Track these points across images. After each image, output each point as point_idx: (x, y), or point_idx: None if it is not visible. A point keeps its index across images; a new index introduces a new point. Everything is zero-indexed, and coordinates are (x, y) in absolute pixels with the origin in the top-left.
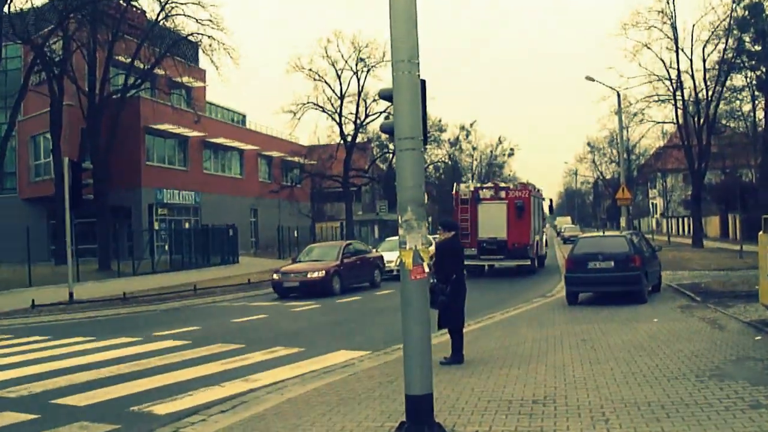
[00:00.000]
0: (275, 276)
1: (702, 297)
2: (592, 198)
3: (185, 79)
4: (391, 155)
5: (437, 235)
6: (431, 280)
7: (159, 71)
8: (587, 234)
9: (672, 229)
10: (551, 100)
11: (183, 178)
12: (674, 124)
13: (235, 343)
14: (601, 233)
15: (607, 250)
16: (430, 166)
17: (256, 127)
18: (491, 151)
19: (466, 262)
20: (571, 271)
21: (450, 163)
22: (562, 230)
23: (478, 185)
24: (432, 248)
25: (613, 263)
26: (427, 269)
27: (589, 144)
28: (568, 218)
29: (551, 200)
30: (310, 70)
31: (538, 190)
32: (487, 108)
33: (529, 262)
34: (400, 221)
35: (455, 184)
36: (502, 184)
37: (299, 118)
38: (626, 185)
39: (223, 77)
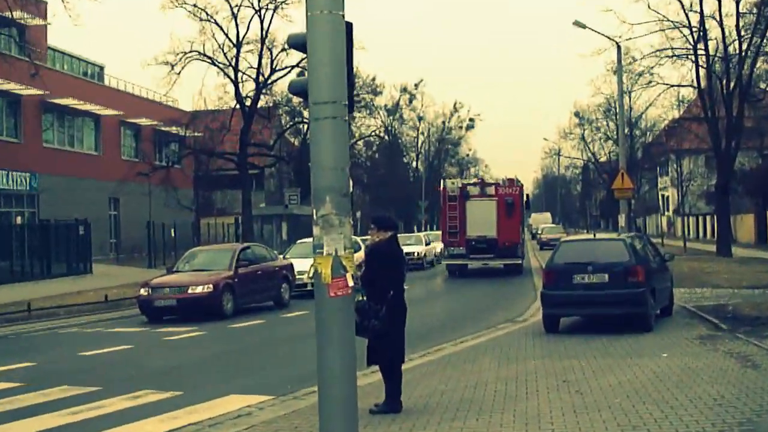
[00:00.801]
0: (143, 291)
1: (729, 324)
2: (580, 188)
3: (16, 14)
4: (305, 126)
5: (368, 236)
6: (358, 298)
7: None
8: (573, 237)
9: (689, 231)
10: (526, 55)
11: (13, 154)
12: (694, 88)
13: (87, 385)
14: (591, 235)
15: (599, 259)
16: (360, 142)
17: (119, 85)
18: (444, 123)
19: (454, 261)
20: (549, 286)
21: (387, 138)
22: (539, 231)
23: (466, 182)
24: (360, 254)
25: (607, 276)
26: (352, 283)
27: (577, 114)
28: (548, 215)
29: (527, 195)
30: (195, 5)
31: (521, 185)
32: (439, 65)
33: (520, 261)
34: (315, 217)
35: (441, 180)
36: (488, 181)
37: (179, 73)
38: (627, 171)
39: (73, 13)
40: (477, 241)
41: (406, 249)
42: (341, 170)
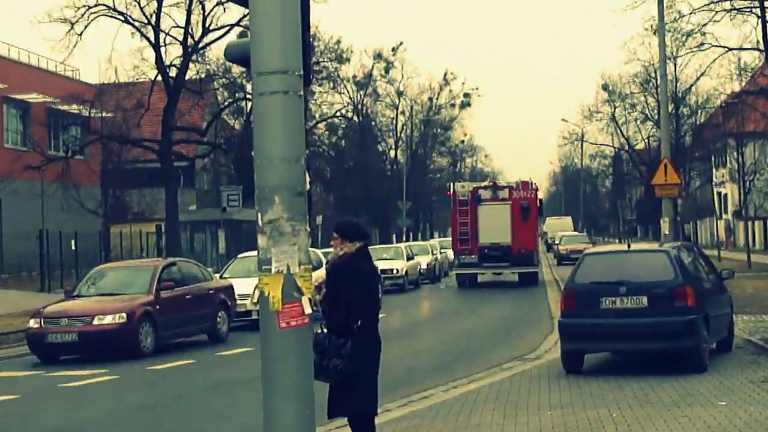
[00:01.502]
0: (33, 323)
1: None
2: (611, 184)
3: None
4: (248, 104)
5: (330, 249)
6: (317, 330)
7: None
8: (601, 248)
9: (754, 240)
10: (538, 12)
11: None
12: (760, 51)
13: None
14: (624, 246)
15: (635, 277)
16: (321, 125)
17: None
18: (431, 100)
19: (465, 271)
20: (570, 313)
21: (357, 119)
22: (557, 241)
23: (477, 185)
24: (321, 272)
25: (645, 300)
26: (309, 310)
27: (606, 87)
28: (567, 220)
29: (541, 199)
30: None
31: (537, 188)
32: (424, 24)
33: (536, 270)
34: (261, 223)
35: (449, 184)
36: (502, 183)
37: (81, 34)
38: (672, 161)
39: None
40: (490, 248)
41: (381, 265)
42: (295, 162)
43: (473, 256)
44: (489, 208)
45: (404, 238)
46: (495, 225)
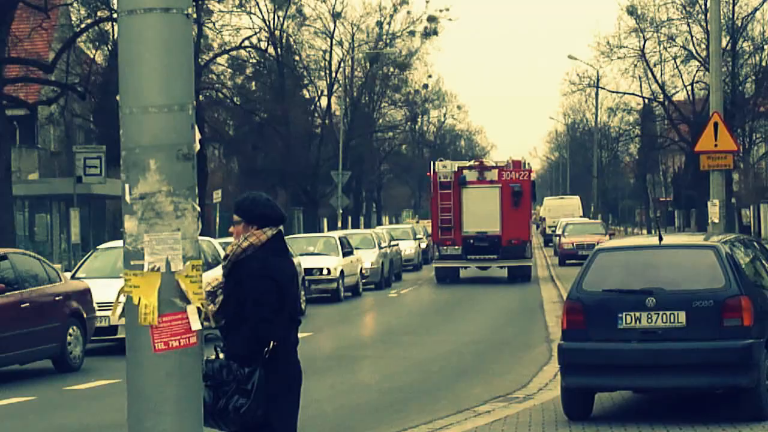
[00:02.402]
0: None
1: None
2: (638, 150)
3: None
4: (114, 27)
5: (230, 238)
6: (210, 356)
7: None
8: (620, 241)
9: None
10: None
11: None
12: None
13: None
14: (655, 239)
15: (669, 284)
16: (221, 59)
17: None
18: (380, 26)
19: (446, 264)
20: (576, 334)
21: (274, 52)
22: (560, 231)
23: (461, 164)
24: (216, 273)
25: (684, 316)
26: (198, 326)
27: (632, 12)
28: (574, 201)
29: (533, 181)
30: None
31: (531, 168)
32: None
33: (530, 264)
34: (128, 199)
35: (432, 163)
36: (490, 163)
37: None
38: (724, 118)
39: None
40: (476, 238)
41: (304, 263)
42: (179, 111)
43: (456, 247)
44: (475, 192)
45: (339, 225)
46: (482, 211)
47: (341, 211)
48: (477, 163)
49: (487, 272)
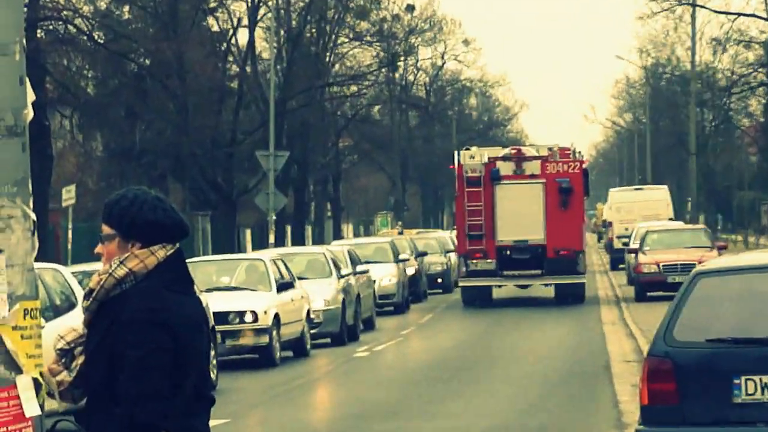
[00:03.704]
0: None
1: None
2: (763, 110)
3: None
4: None
5: (95, 265)
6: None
7: None
8: (733, 260)
9: None
10: None
11: None
12: None
13: None
14: None
15: None
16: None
17: None
18: None
19: (475, 283)
20: (664, 414)
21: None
22: (639, 243)
23: (494, 154)
24: (70, 321)
25: None
26: (33, 410)
27: None
28: (660, 195)
29: (586, 169)
30: None
31: (582, 158)
32: None
33: (583, 281)
34: None
35: (456, 154)
36: (530, 151)
37: None
38: None
39: None
40: (514, 249)
41: (215, 303)
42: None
43: (489, 260)
44: (512, 190)
45: (272, 240)
46: (521, 214)
47: (274, 217)
48: (514, 151)
49: (527, 291)
